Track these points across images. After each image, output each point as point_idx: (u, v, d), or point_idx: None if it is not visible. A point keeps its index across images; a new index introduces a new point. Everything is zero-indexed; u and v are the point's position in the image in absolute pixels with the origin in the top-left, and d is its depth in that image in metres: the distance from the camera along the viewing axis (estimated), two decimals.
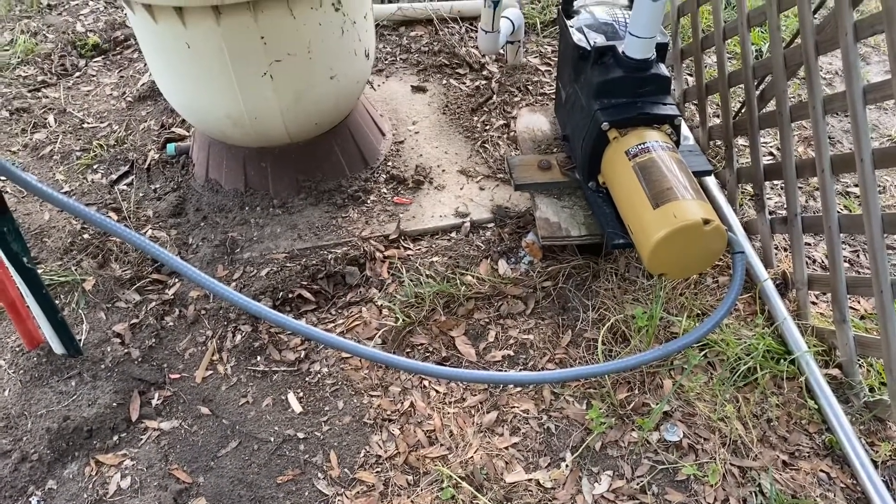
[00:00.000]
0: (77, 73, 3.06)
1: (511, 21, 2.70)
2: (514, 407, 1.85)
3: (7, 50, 3.13)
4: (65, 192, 2.46)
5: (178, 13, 1.91)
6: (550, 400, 1.86)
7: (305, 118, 2.23)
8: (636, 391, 1.86)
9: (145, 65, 3.07)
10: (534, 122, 2.40)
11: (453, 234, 2.28)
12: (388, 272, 2.16)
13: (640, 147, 1.84)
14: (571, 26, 2.05)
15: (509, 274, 2.13)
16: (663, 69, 1.93)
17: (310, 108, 2.20)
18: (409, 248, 2.23)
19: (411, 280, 2.11)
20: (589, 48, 1.96)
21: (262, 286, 2.09)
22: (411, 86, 2.86)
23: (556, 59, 2.63)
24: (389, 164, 2.50)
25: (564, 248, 2.17)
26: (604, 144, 1.95)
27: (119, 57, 3.15)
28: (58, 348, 1.93)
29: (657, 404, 1.81)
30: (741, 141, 2.69)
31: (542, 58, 2.98)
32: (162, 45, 2.04)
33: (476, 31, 3.15)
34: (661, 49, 1.93)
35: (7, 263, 1.69)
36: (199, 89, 2.11)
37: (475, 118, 2.69)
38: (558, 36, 2.21)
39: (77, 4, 3.46)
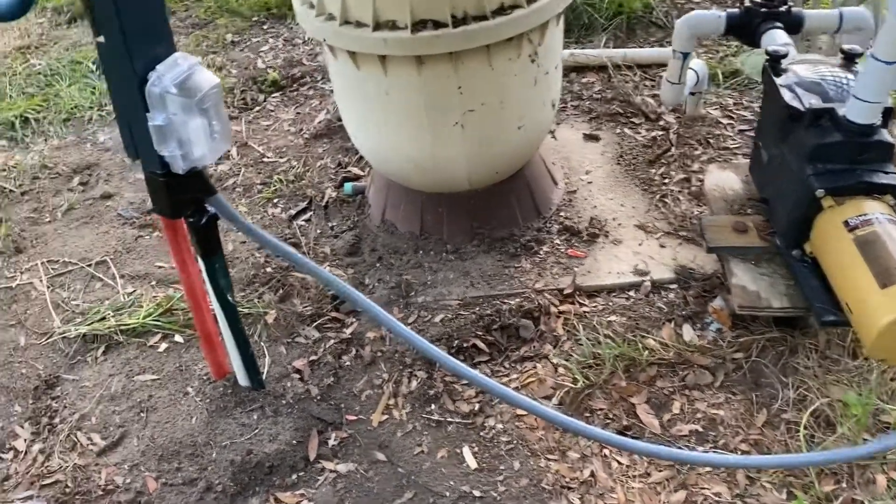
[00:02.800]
0: (257, 108, 3.21)
1: (696, 72, 2.61)
2: (704, 488, 1.73)
3: None
4: None
5: (382, 61, 1.94)
6: (745, 485, 1.72)
7: (488, 167, 2.22)
8: (844, 484, 1.70)
9: (320, 102, 3.18)
10: (724, 179, 2.28)
11: (631, 293, 2.19)
12: (564, 328, 2.10)
13: (861, 218, 1.70)
14: (781, 85, 1.94)
15: (695, 341, 2.02)
16: (887, 135, 1.78)
17: (494, 157, 2.19)
18: (585, 305, 2.16)
19: (589, 339, 2.04)
20: (803, 109, 1.84)
21: (437, 332, 2.08)
22: (583, 133, 2.80)
23: (758, 116, 2.48)
24: (562, 214, 2.45)
25: (756, 317, 2.03)
26: (814, 212, 1.81)
27: (295, 93, 3.29)
28: (243, 380, 1.98)
29: (869, 502, 1.64)
30: None
31: (722, 110, 2.85)
32: (360, 91, 2.09)
33: (650, 80, 3.07)
34: (887, 114, 1.79)
35: (212, 297, 1.75)
36: (389, 134, 2.14)
37: (653, 170, 2.59)
38: (762, 93, 2.10)
39: (258, 41, 3.65)
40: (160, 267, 2.42)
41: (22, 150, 2.99)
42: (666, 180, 2.55)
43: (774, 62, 2.02)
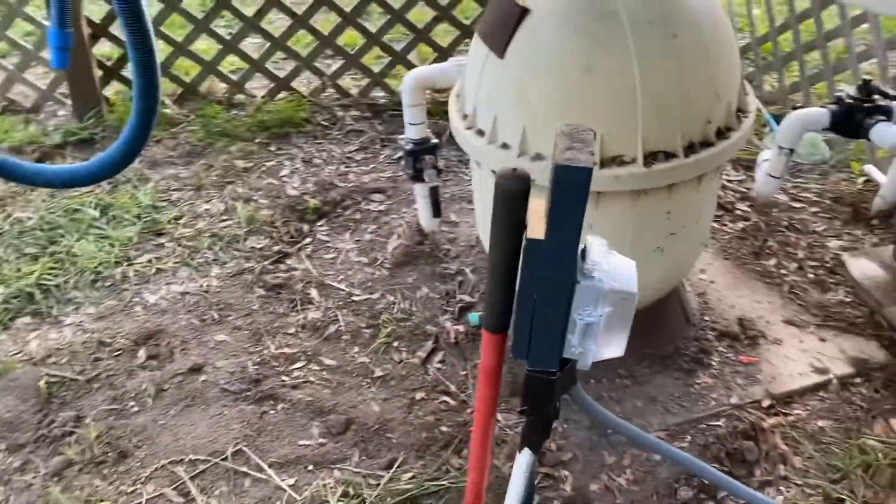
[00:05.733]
0: (308, 240, 2.92)
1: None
2: None
3: (227, 220, 3.00)
4: (380, 377, 2.29)
5: (595, 197, 1.84)
6: None
7: (666, 285, 2.16)
8: None
9: (377, 226, 2.96)
10: (865, 268, 2.38)
11: (821, 394, 2.18)
12: (784, 444, 2.04)
13: None
14: None
15: None
16: None
17: (676, 275, 2.14)
18: (790, 414, 2.13)
19: (816, 451, 2.00)
20: None
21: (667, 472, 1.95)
22: None
23: None
24: (707, 319, 2.42)
25: None
26: None
27: (341, 219, 3.04)
28: None
29: None
30: None
31: (786, 193, 2.99)
32: None
33: None
34: None
35: (516, 488, 1.53)
36: None
37: (763, 262, 2.65)
38: None
39: (273, 165, 3.36)
40: (306, 445, 2.08)
41: (53, 325, 2.50)
42: (783, 271, 2.61)
43: None
